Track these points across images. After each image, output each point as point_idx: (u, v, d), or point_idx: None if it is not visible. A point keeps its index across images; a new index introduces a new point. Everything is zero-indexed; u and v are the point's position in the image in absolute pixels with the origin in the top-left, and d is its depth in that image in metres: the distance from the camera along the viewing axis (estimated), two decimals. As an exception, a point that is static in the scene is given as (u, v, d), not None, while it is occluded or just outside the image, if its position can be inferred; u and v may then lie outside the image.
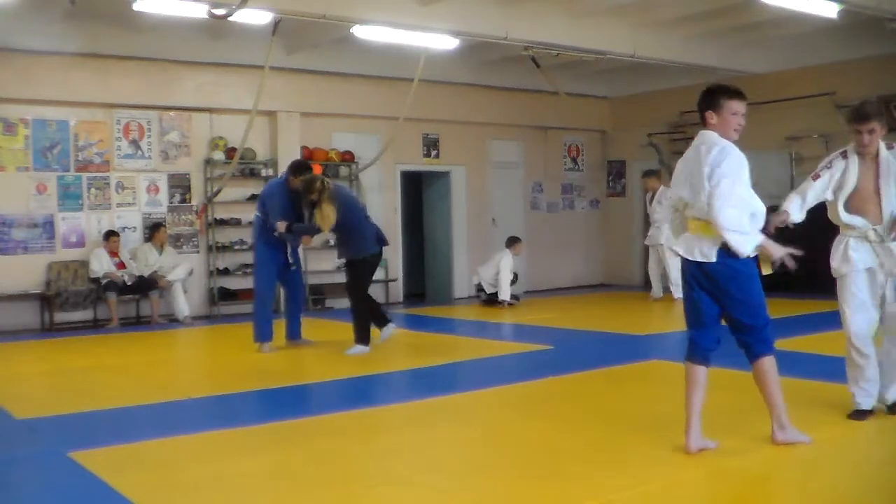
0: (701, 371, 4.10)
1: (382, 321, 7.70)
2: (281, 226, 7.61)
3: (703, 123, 4.14)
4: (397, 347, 7.58)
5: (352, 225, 7.53)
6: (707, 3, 10.04)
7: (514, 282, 11.68)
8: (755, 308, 4.03)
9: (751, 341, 4.05)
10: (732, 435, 4.46)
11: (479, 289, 11.72)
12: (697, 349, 4.11)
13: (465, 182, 13.52)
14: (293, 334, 8.25)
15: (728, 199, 3.84)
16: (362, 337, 7.54)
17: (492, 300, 11.42)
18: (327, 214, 7.37)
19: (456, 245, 13.45)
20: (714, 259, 3.94)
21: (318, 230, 7.58)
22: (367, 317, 7.63)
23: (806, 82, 11.93)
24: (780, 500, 3.54)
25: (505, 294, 11.36)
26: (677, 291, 11.30)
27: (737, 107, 4.19)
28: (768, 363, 4.06)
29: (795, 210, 4.89)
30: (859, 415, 4.59)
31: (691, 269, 4.06)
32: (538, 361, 7.27)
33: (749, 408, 5.01)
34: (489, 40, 10.26)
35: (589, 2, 9.99)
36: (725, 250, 3.92)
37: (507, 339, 8.38)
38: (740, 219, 3.87)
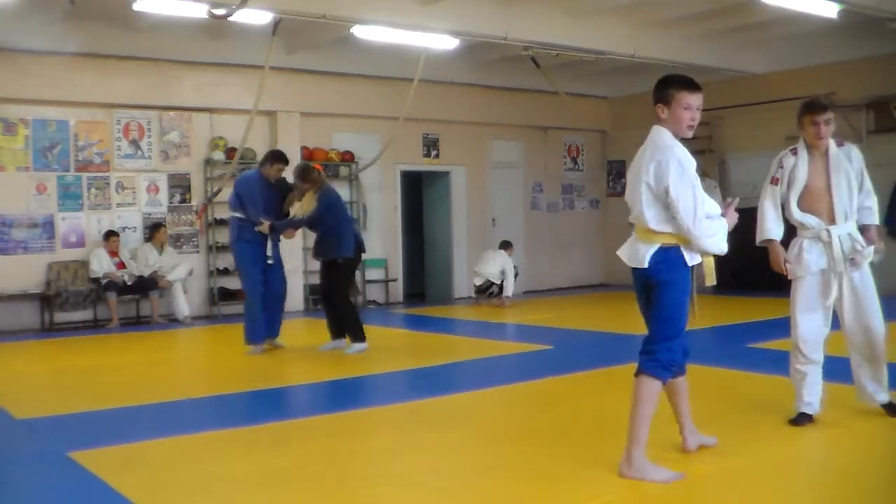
0: (671, 382, 3.91)
1: (340, 335, 7.70)
2: (265, 226, 7.55)
3: (656, 118, 3.84)
4: (397, 347, 7.58)
5: (333, 224, 7.53)
6: (707, 3, 10.05)
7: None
8: (663, 317, 3.69)
9: (644, 352, 3.73)
10: (731, 434, 4.46)
11: (479, 290, 11.75)
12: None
13: (465, 182, 13.52)
14: (272, 332, 7.98)
15: (696, 210, 3.63)
16: (358, 334, 7.54)
17: (489, 292, 11.50)
18: (306, 204, 7.43)
19: (456, 245, 13.45)
20: (645, 265, 3.67)
21: (302, 223, 7.59)
22: (356, 313, 7.69)
23: (806, 82, 11.92)
24: (780, 500, 3.54)
25: (509, 290, 11.52)
26: None
27: (689, 99, 3.81)
28: (645, 384, 3.69)
29: (777, 230, 4.85)
30: (801, 419, 4.49)
31: (632, 275, 3.82)
32: (538, 361, 7.27)
33: (747, 408, 5.01)
34: (489, 40, 10.26)
35: (589, 2, 9.99)
36: (659, 256, 3.66)
37: (507, 339, 8.38)
38: (710, 224, 3.70)
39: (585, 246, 14.86)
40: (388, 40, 9.79)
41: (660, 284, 3.67)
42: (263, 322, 7.75)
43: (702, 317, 10.75)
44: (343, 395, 6.03)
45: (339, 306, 7.65)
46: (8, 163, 10.11)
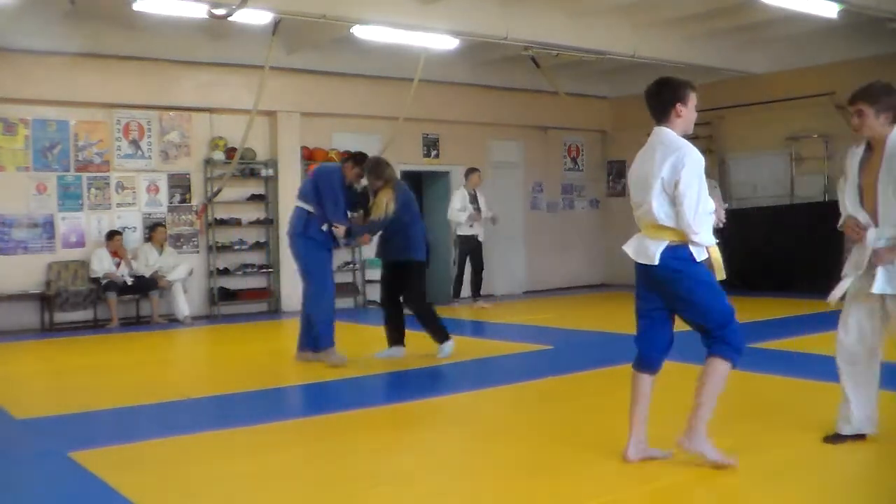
0: (644, 379, 4.00)
1: (399, 342, 7.32)
2: (341, 230, 6.97)
3: (665, 119, 3.88)
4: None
5: (404, 224, 7.11)
6: (707, 3, 10.05)
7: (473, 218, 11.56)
8: (706, 310, 3.81)
9: (708, 342, 3.89)
10: (731, 434, 4.46)
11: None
12: (640, 357, 4.01)
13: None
14: (310, 345, 7.26)
15: (698, 206, 3.67)
16: (442, 334, 7.18)
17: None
18: (385, 202, 6.96)
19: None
20: (656, 262, 3.74)
21: (380, 227, 7.07)
22: (436, 314, 7.28)
23: (806, 82, 11.94)
24: (782, 500, 3.54)
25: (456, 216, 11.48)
26: None
27: (696, 100, 4.00)
28: (716, 364, 3.84)
29: (848, 211, 4.39)
30: (835, 438, 4.26)
31: (637, 271, 3.90)
32: (538, 361, 7.27)
33: (747, 408, 5.01)
34: (489, 40, 10.26)
35: (589, 2, 9.99)
36: (670, 252, 3.74)
37: (507, 339, 8.38)
38: (708, 222, 3.75)
39: (585, 246, 14.85)
40: (388, 40, 9.79)
41: (678, 279, 3.77)
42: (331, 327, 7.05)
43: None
44: (343, 395, 6.03)
45: (418, 308, 7.21)
46: (8, 163, 10.10)
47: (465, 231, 11.54)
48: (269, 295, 11.78)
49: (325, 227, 6.96)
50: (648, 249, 3.78)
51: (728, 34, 11.47)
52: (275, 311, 11.68)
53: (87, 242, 10.57)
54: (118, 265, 10.39)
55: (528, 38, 10.18)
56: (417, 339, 7.46)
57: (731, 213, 12.89)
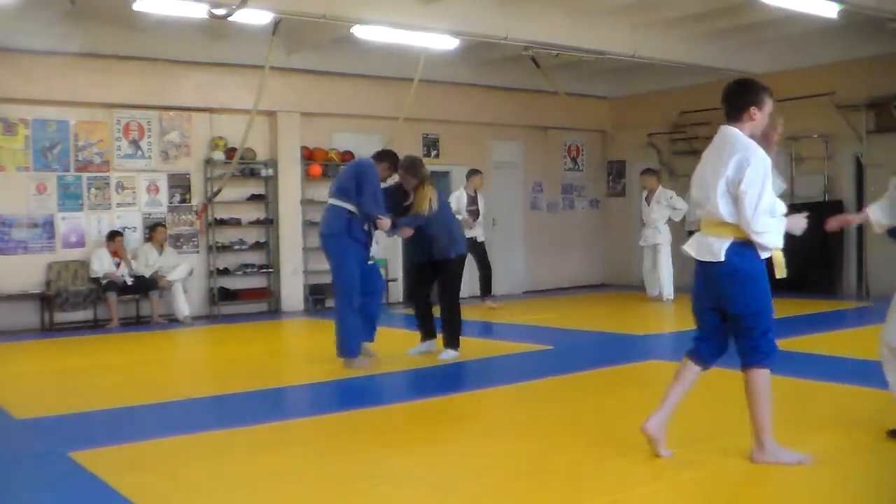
0: (692, 368, 4.05)
1: (433, 336, 7.35)
2: (385, 223, 6.82)
3: (736, 119, 3.96)
4: (398, 348, 7.57)
5: (444, 221, 7.17)
6: (707, 3, 10.05)
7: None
8: (754, 313, 3.85)
9: (745, 348, 3.88)
10: (731, 434, 4.46)
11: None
12: (695, 351, 4.07)
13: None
14: (370, 336, 7.15)
15: (759, 204, 3.74)
16: (455, 340, 7.17)
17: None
18: (429, 198, 6.94)
19: (456, 245, 13.44)
20: (722, 258, 3.83)
21: (423, 221, 6.99)
22: (460, 323, 7.24)
23: (806, 82, 11.93)
24: (782, 500, 3.54)
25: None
26: (667, 293, 11.22)
27: (772, 107, 4.04)
28: (757, 376, 3.86)
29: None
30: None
31: (697, 270, 3.99)
32: (538, 361, 7.27)
33: (747, 408, 5.01)
34: (489, 40, 10.26)
35: (589, 2, 9.99)
36: (734, 249, 3.83)
37: (507, 339, 8.38)
38: (768, 220, 3.82)
39: (585, 246, 14.85)
40: (388, 40, 9.79)
41: (740, 277, 3.83)
42: (359, 332, 6.85)
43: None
44: (343, 395, 6.03)
45: (452, 307, 7.21)
46: (8, 163, 10.10)
47: (468, 233, 11.31)
48: (269, 295, 11.78)
49: (365, 227, 6.82)
50: (712, 246, 3.87)
51: (728, 34, 11.47)
52: (275, 311, 11.69)
53: (87, 242, 10.57)
54: (118, 265, 10.39)
55: (528, 38, 10.18)
56: (417, 339, 7.46)
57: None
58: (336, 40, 10.57)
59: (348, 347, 6.73)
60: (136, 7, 8.33)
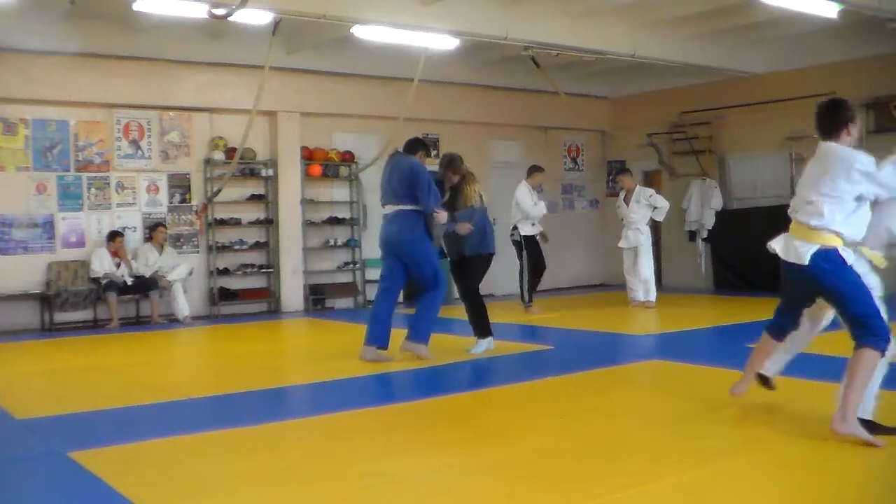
0: (769, 341, 4.70)
1: (485, 332, 7.42)
2: (442, 216, 6.92)
3: (835, 136, 4.34)
4: (397, 347, 7.57)
5: (481, 219, 7.29)
6: (707, 3, 10.05)
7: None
8: (855, 301, 4.15)
9: (856, 333, 4.17)
10: (731, 434, 4.46)
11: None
12: (773, 325, 4.67)
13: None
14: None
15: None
16: (485, 330, 7.34)
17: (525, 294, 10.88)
18: (478, 191, 7.14)
19: (456, 245, 13.43)
20: (806, 262, 4.20)
21: (479, 214, 7.13)
22: (485, 310, 7.39)
23: (806, 82, 11.93)
24: (782, 499, 3.54)
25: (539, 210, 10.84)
26: (651, 295, 10.91)
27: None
28: (866, 354, 4.12)
29: None
30: None
31: (783, 267, 4.38)
32: (538, 361, 7.27)
33: (747, 408, 5.01)
34: (489, 40, 10.26)
35: (589, 2, 9.99)
36: (821, 255, 4.16)
37: (507, 339, 8.37)
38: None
39: (585, 246, 14.85)
40: (388, 40, 9.79)
41: (828, 284, 4.19)
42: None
43: (702, 317, 10.77)
44: (343, 395, 6.03)
45: (473, 300, 7.36)
46: (8, 163, 10.11)
47: (528, 230, 10.76)
48: (269, 295, 11.78)
49: (437, 220, 6.97)
50: (798, 250, 4.25)
51: (728, 34, 11.47)
52: (275, 311, 11.69)
53: (87, 242, 10.57)
54: (118, 265, 10.39)
55: (528, 38, 10.18)
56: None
57: (731, 213, 13.03)
58: (336, 40, 10.57)
59: (428, 335, 7.04)
60: (136, 7, 8.33)
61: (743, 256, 12.87)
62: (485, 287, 12.72)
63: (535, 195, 10.96)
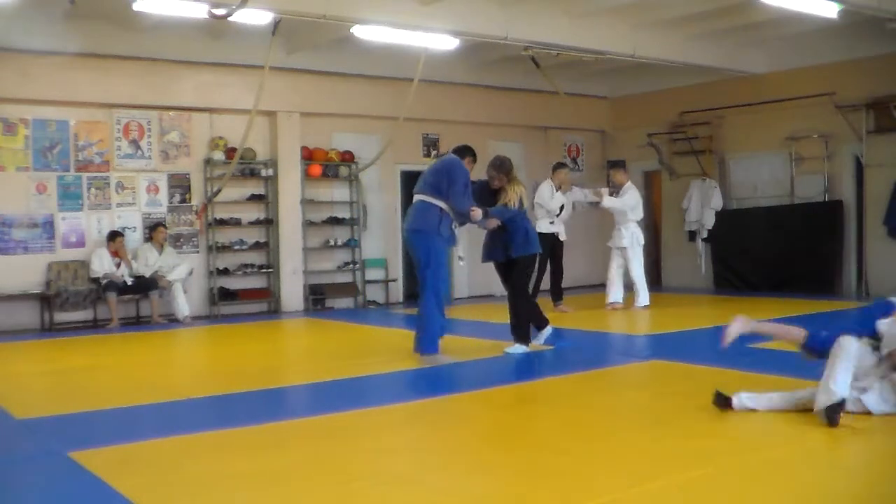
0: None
1: (543, 322, 7.57)
2: (477, 213, 6.93)
3: None
4: (397, 347, 7.57)
5: (523, 220, 7.37)
6: (707, 3, 10.05)
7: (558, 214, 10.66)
8: None
9: None
10: (731, 434, 4.46)
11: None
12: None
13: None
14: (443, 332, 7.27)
15: None
16: (525, 335, 7.38)
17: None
18: (519, 194, 7.19)
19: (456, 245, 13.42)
20: None
21: (511, 213, 7.17)
22: (528, 318, 7.42)
23: (806, 82, 11.94)
24: (782, 499, 3.54)
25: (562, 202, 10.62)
26: (640, 299, 10.63)
27: None
28: None
29: None
30: None
31: None
32: (538, 361, 7.26)
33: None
34: (489, 40, 10.26)
35: (589, 2, 9.99)
36: None
37: (507, 339, 8.36)
38: None
39: (585, 246, 14.82)
40: (388, 40, 9.79)
41: None
42: (441, 328, 7.03)
43: (702, 317, 10.77)
44: (343, 395, 6.03)
45: (521, 303, 7.41)
46: (8, 163, 10.11)
47: (544, 228, 10.41)
48: (269, 295, 11.79)
49: (452, 226, 6.95)
50: None
51: (728, 34, 11.47)
52: (275, 311, 11.69)
53: (87, 242, 10.57)
54: (118, 265, 10.39)
55: (528, 38, 10.18)
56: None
57: (731, 213, 13.02)
58: (336, 40, 10.57)
59: (430, 344, 6.86)
60: (136, 7, 8.33)
61: (743, 256, 12.87)
62: (486, 287, 12.87)
63: (554, 190, 10.72)
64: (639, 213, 10.84)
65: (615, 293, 10.81)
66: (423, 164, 13.05)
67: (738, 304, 11.15)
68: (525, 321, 7.43)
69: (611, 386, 6.20)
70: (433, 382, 6.44)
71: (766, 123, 12.60)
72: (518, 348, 7.37)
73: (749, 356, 6.74)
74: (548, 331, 7.61)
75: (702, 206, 13.13)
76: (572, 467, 3.98)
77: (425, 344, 6.89)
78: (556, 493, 3.60)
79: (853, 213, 11.80)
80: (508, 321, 7.51)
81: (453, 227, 7.03)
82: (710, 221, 13.06)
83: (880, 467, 4.01)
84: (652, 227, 14.98)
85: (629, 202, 10.72)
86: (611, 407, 5.42)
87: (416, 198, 7.02)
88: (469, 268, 13.11)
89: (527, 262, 7.44)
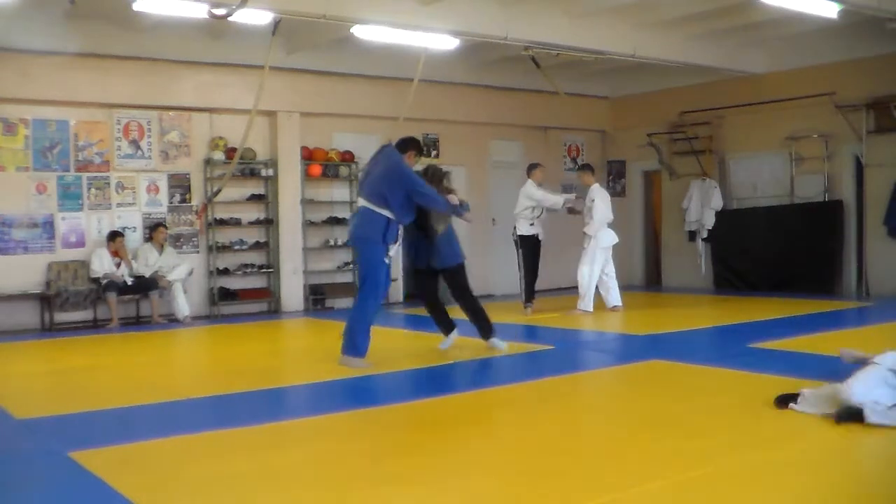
0: None
1: (451, 329, 7.52)
2: (454, 198, 6.97)
3: None
4: (397, 347, 7.58)
5: (450, 230, 7.36)
6: (707, 3, 10.05)
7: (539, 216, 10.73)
8: None
9: None
10: (731, 434, 4.46)
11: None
12: None
13: (465, 182, 13.50)
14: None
15: None
16: (490, 328, 7.43)
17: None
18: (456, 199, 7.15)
19: (456, 245, 13.43)
20: None
21: (465, 210, 7.17)
22: (483, 309, 7.47)
23: (806, 82, 11.95)
24: (782, 499, 3.54)
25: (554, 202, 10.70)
26: (583, 303, 10.47)
27: None
28: None
29: None
30: None
31: None
32: (538, 361, 7.26)
33: (747, 408, 5.01)
34: (489, 40, 10.26)
35: (589, 2, 9.99)
36: None
37: (507, 339, 8.37)
38: None
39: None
40: (388, 40, 9.79)
41: None
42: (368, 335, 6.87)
43: (702, 317, 10.76)
44: (343, 395, 6.03)
45: (472, 304, 7.45)
46: (8, 163, 10.11)
47: (525, 231, 10.64)
48: (269, 295, 11.79)
49: (399, 231, 6.86)
50: None
51: (728, 34, 11.47)
52: (275, 311, 11.69)
53: (87, 242, 10.57)
54: (118, 265, 10.39)
55: (528, 38, 10.18)
56: (418, 339, 7.46)
57: (731, 213, 13.03)
58: (336, 40, 10.57)
59: (359, 347, 6.73)
60: (136, 7, 8.33)
61: (743, 256, 12.88)
62: (484, 287, 12.87)
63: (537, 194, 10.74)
64: (602, 216, 10.75)
65: (613, 296, 10.75)
66: (424, 165, 13.06)
67: (738, 303, 11.15)
68: (483, 315, 7.42)
69: (611, 386, 6.20)
70: (433, 382, 6.44)
71: (766, 123, 12.60)
72: (497, 343, 7.37)
73: (750, 356, 6.75)
74: (452, 337, 7.47)
75: (702, 206, 13.13)
76: (572, 467, 3.98)
77: (353, 347, 6.72)
78: (556, 493, 3.60)
79: (853, 213, 11.80)
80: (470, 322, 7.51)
81: (398, 231, 6.86)
82: (710, 221, 13.06)
83: (881, 469, 4.01)
84: (652, 227, 14.99)
85: (601, 204, 10.72)
86: (611, 407, 5.43)
87: (361, 204, 6.83)
88: (469, 269, 13.15)
89: (457, 271, 7.38)
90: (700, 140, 13.25)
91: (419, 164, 7.44)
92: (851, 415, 4.39)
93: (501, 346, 7.41)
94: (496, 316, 10.43)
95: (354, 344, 6.73)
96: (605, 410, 5.27)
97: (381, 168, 6.86)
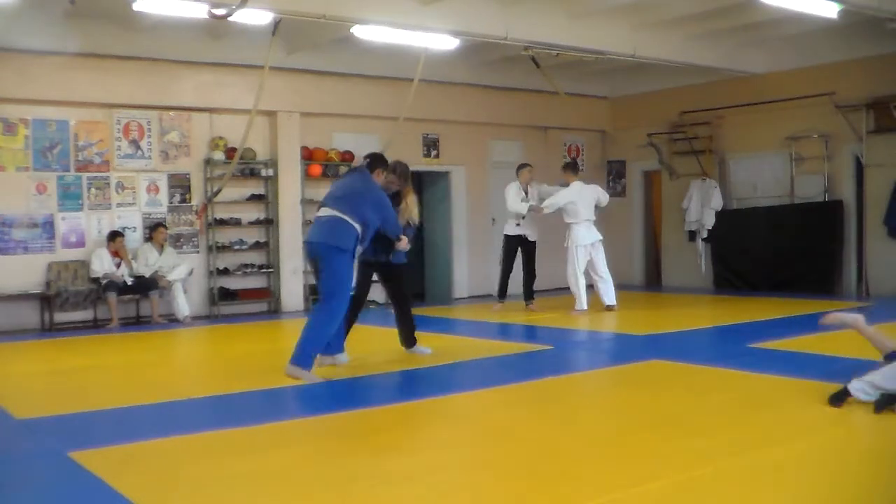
0: None
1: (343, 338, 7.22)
2: (404, 242, 6.97)
3: None
4: (397, 347, 7.57)
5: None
6: (707, 3, 10.05)
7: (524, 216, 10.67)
8: None
9: None
10: (731, 434, 4.46)
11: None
12: None
13: (465, 182, 13.52)
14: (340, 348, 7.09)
15: None
16: (415, 339, 7.41)
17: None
18: (412, 206, 7.14)
19: (456, 245, 13.45)
20: None
21: (414, 230, 7.21)
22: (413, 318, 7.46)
23: (806, 82, 11.95)
24: (782, 499, 3.54)
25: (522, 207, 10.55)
26: (577, 303, 10.36)
27: None
28: None
29: None
30: None
31: None
32: (538, 361, 7.26)
33: (747, 407, 5.01)
34: (489, 40, 10.26)
35: (589, 2, 9.99)
36: None
37: (507, 339, 8.39)
38: None
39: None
40: (388, 40, 9.79)
41: None
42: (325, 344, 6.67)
43: (702, 317, 10.76)
44: (343, 395, 6.03)
45: (408, 307, 7.39)
46: (8, 163, 10.11)
47: (510, 231, 10.73)
48: (269, 295, 11.79)
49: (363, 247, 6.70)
50: None
51: (728, 34, 11.47)
52: (275, 311, 11.69)
53: (87, 242, 10.57)
54: (118, 265, 10.39)
55: (528, 38, 10.18)
56: (417, 339, 7.45)
57: (731, 213, 13.03)
58: (336, 40, 10.57)
59: (309, 357, 6.43)
60: (136, 7, 8.33)
61: (743, 256, 12.87)
62: (482, 287, 12.87)
63: (523, 194, 10.71)
64: (578, 214, 10.53)
65: (608, 295, 10.68)
66: (423, 165, 13.10)
67: (738, 303, 11.15)
68: (412, 323, 7.37)
69: (611, 386, 6.20)
70: (432, 382, 6.44)
71: (766, 123, 12.60)
72: (423, 349, 7.35)
73: (750, 356, 6.75)
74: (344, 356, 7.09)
75: (702, 206, 13.13)
76: (572, 467, 3.98)
77: (303, 357, 6.39)
78: (556, 492, 3.60)
79: (853, 213, 11.80)
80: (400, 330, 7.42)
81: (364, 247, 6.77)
82: (710, 221, 13.06)
83: (882, 468, 4.01)
84: (652, 227, 14.99)
85: (557, 199, 10.46)
86: (611, 407, 5.43)
87: (330, 213, 6.52)
88: (469, 268, 13.18)
89: (402, 270, 7.37)
90: (700, 140, 13.25)
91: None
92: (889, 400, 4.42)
93: (426, 351, 7.36)
94: (496, 316, 10.46)
95: (308, 355, 6.42)
96: (605, 410, 5.27)
97: (362, 189, 6.66)
